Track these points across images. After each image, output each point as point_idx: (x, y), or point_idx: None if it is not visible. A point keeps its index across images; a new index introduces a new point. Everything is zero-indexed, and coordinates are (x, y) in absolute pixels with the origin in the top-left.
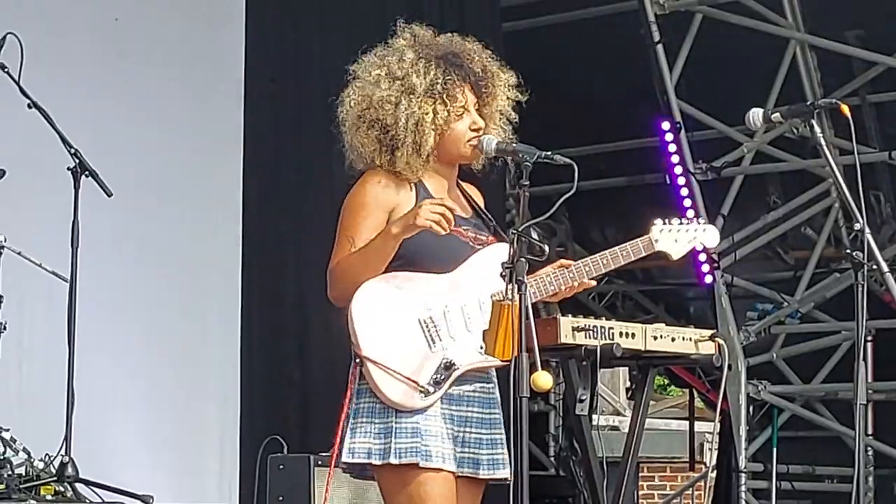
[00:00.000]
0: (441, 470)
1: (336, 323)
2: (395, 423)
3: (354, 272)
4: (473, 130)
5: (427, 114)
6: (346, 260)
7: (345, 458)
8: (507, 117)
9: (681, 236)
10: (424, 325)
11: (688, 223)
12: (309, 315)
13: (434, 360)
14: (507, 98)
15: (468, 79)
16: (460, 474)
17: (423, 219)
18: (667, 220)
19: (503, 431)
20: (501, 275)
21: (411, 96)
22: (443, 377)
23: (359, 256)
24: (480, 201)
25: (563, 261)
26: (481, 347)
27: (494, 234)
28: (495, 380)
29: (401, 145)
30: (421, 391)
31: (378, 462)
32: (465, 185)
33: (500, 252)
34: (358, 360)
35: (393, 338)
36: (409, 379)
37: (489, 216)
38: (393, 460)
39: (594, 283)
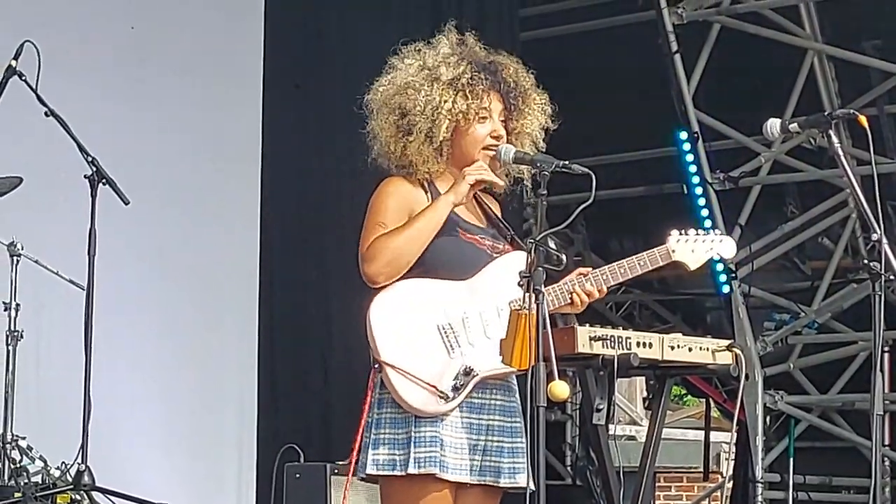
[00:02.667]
0: (449, 482)
1: (356, 330)
2: (415, 431)
3: (401, 245)
4: (493, 137)
5: (445, 101)
6: (388, 235)
7: (369, 471)
8: (534, 141)
9: (698, 247)
10: (443, 331)
11: (704, 234)
12: (324, 323)
13: (453, 365)
14: (539, 122)
15: (498, 87)
16: (480, 482)
17: (471, 176)
18: (683, 231)
19: (525, 439)
20: (519, 284)
21: (434, 83)
22: (462, 383)
23: (408, 227)
24: (497, 211)
25: (581, 269)
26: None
27: (511, 243)
28: (516, 388)
29: (415, 130)
30: (441, 396)
31: (400, 472)
32: (482, 196)
33: (518, 259)
34: (377, 366)
35: (412, 343)
36: (428, 384)
37: (506, 224)
38: (412, 470)
39: (606, 292)
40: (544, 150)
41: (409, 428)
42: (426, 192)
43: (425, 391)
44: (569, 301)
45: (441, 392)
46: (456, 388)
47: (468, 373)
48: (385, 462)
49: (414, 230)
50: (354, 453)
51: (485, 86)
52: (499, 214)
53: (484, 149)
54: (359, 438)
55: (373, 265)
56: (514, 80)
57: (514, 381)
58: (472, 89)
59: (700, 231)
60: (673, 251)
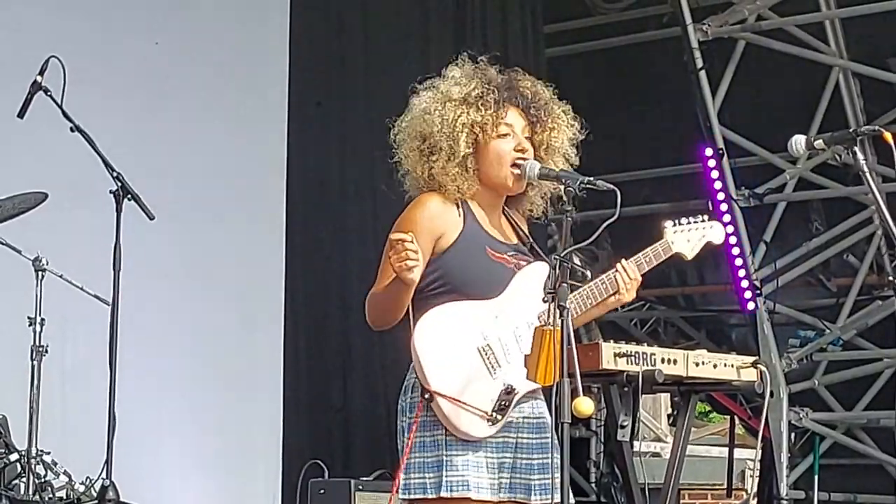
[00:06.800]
0: (489, 502)
1: (378, 348)
2: (446, 455)
3: (378, 308)
4: (518, 151)
5: (459, 116)
6: (373, 294)
7: (402, 496)
8: (566, 157)
9: (692, 235)
10: (483, 353)
11: (695, 221)
12: (352, 339)
13: (496, 386)
14: (567, 136)
15: (517, 101)
16: (510, 500)
17: (394, 267)
18: (676, 221)
19: (555, 455)
20: (544, 300)
21: (447, 103)
22: (505, 403)
23: (381, 296)
24: (525, 227)
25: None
26: None
27: (536, 259)
28: (544, 402)
29: (437, 150)
30: (489, 419)
31: (433, 496)
32: (511, 213)
33: (538, 269)
34: (427, 396)
35: (457, 369)
36: (478, 409)
37: (533, 243)
38: (444, 493)
39: (626, 299)
40: (577, 165)
41: (440, 452)
42: (458, 209)
43: (475, 416)
44: (592, 305)
45: (489, 415)
46: (501, 409)
47: (510, 392)
48: (416, 486)
49: (386, 303)
50: (400, 472)
51: (498, 97)
52: (526, 231)
53: (512, 166)
54: (404, 460)
55: (368, 317)
56: (531, 91)
57: (541, 395)
58: (484, 101)
59: (691, 219)
60: (672, 243)
